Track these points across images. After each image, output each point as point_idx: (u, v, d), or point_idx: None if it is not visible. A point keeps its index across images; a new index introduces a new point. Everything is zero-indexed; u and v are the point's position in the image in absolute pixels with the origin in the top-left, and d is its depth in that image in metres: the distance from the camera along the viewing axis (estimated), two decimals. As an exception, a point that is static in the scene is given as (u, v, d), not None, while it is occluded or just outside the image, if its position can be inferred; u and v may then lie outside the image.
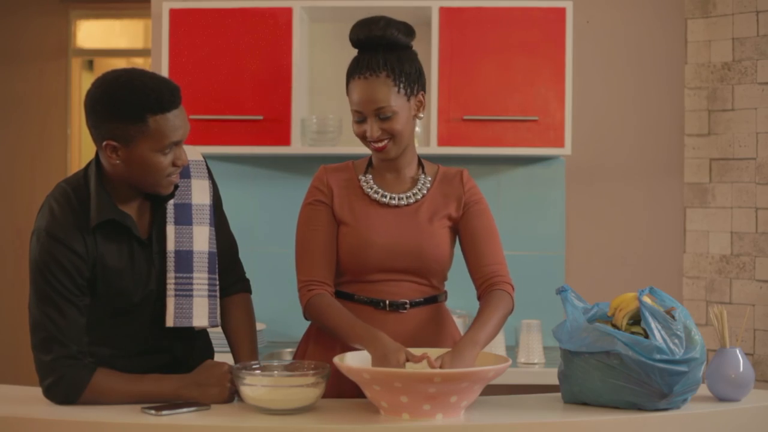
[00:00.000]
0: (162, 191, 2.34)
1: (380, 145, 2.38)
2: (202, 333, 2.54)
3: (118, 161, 2.27)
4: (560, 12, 3.70)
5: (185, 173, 2.46)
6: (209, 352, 2.58)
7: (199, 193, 2.47)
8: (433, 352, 2.26)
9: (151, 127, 2.23)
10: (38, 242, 2.27)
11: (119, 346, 2.36)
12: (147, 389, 2.25)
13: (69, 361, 2.24)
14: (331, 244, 2.41)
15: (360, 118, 2.38)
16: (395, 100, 2.35)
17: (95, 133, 2.28)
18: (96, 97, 2.25)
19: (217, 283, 2.47)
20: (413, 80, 2.39)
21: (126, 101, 2.22)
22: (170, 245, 2.39)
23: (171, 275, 2.38)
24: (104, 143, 2.25)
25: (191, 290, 2.40)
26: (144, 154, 2.25)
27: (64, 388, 2.23)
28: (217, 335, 2.66)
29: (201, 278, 2.42)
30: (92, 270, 2.29)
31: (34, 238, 2.29)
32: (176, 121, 2.26)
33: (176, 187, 2.40)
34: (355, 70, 2.38)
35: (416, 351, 2.27)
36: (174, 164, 2.30)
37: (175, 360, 2.42)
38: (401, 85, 2.36)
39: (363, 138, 2.39)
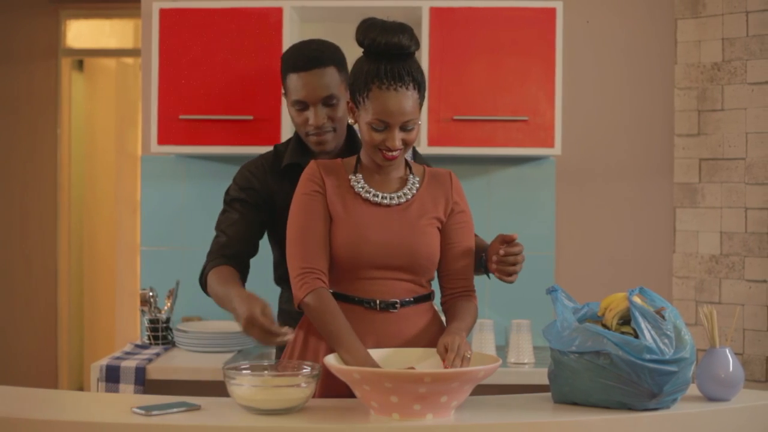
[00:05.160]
0: (312, 147, 2.70)
1: (396, 154, 2.37)
2: None
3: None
4: (551, 12, 3.70)
5: None
6: None
7: None
8: (421, 353, 2.30)
9: (287, 84, 2.70)
10: (238, 173, 2.77)
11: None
12: (228, 298, 2.46)
13: (213, 256, 2.64)
14: (327, 236, 2.40)
15: (382, 128, 2.33)
16: (417, 111, 2.36)
17: None
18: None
19: None
20: (425, 89, 2.39)
21: (284, 60, 2.71)
22: None
23: None
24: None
25: None
26: (289, 107, 2.72)
27: (200, 276, 2.65)
28: None
29: None
30: (272, 206, 2.70)
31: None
32: (300, 82, 2.64)
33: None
34: (381, 80, 2.30)
35: (406, 350, 2.31)
36: (310, 123, 2.66)
37: None
38: (421, 96, 2.36)
39: (377, 146, 2.35)
